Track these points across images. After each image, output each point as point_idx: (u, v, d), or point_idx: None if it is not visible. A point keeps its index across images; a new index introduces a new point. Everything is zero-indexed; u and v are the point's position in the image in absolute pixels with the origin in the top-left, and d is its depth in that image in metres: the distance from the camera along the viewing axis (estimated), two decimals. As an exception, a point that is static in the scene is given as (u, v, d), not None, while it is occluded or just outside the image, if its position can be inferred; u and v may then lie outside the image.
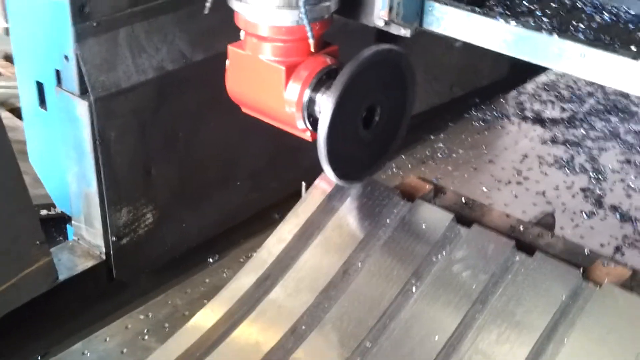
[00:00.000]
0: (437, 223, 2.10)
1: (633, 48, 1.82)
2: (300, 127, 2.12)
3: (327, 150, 2.03)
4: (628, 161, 3.30)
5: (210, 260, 2.70)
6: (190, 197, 2.68)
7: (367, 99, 2.12)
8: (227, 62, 2.20)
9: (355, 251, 2.09)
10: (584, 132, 3.50)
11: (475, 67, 3.79)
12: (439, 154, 3.22)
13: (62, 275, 2.42)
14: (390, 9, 1.96)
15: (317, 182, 2.27)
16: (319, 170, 2.38)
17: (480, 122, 3.55)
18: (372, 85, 2.10)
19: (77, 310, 2.46)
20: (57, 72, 2.32)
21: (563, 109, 3.70)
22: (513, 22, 1.88)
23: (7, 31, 3.33)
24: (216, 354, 1.89)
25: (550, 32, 1.84)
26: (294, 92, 2.05)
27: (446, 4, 1.95)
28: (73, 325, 2.41)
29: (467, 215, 2.15)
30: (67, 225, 2.64)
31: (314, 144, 2.70)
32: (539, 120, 3.59)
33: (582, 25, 1.96)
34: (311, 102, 2.06)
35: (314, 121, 2.09)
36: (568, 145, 3.38)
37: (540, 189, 3.05)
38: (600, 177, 3.17)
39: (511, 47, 1.89)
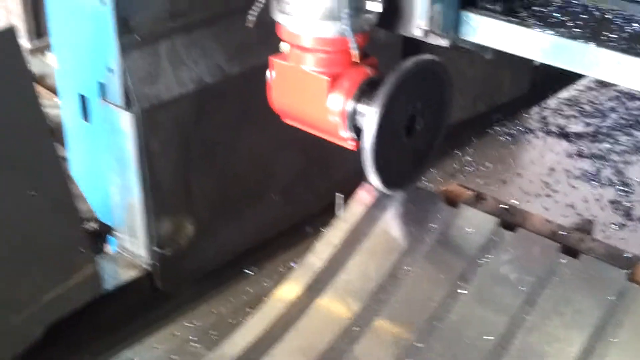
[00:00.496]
0: (481, 227, 2.15)
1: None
2: (343, 136, 2.17)
3: (373, 159, 2.08)
4: None
5: (247, 272, 2.73)
6: (228, 210, 2.73)
7: (408, 107, 2.18)
8: (270, 73, 2.25)
9: (402, 255, 2.13)
10: (609, 146, 3.55)
11: (497, 83, 3.85)
12: (467, 168, 3.27)
13: (107, 286, 2.45)
14: (431, 19, 2.01)
15: (359, 189, 2.31)
16: (350, 183, 2.46)
17: (506, 136, 3.61)
18: (413, 95, 2.16)
19: (122, 320, 2.50)
20: (101, 85, 2.37)
21: (587, 124, 3.75)
22: (549, 31, 1.93)
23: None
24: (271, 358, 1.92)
25: (586, 41, 1.89)
26: (338, 102, 2.11)
27: (481, 14, 2.01)
28: (119, 334, 2.45)
29: (508, 220, 2.19)
30: (109, 238, 2.68)
31: (343, 157, 2.77)
32: (563, 134, 3.64)
33: (613, 35, 2.00)
34: (354, 112, 2.12)
35: (356, 130, 2.14)
36: (594, 159, 3.43)
37: (569, 201, 3.09)
38: (628, 189, 3.22)
39: (548, 55, 1.94)
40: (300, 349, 1.94)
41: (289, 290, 2.09)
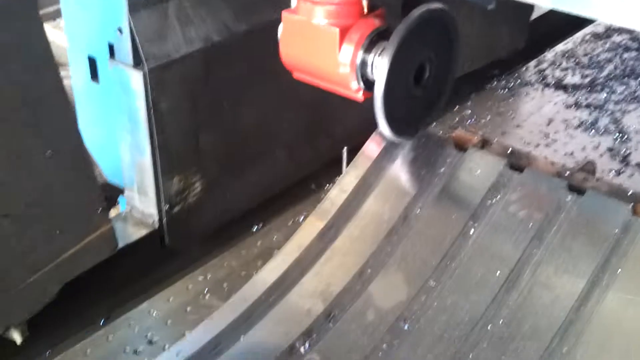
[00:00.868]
0: (490, 169, 2.24)
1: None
2: (353, 88, 2.21)
3: (384, 108, 2.12)
4: None
5: (256, 227, 2.79)
6: (234, 167, 2.77)
7: (417, 56, 2.23)
8: (280, 28, 2.28)
9: (414, 198, 2.22)
10: (606, 96, 3.60)
11: (493, 39, 3.87)
12: (468, 121, 3.31)
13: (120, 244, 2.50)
14: None
15: (369, 140, 2.38)
16: (350, 142, 2.56)
17: (505, 90, 3.65)
18: (422, 44, 2.21)
19: (135, 276, 2.55)
20: (110, 46, 2.40)
21: (583, 75, 3.79)
22: None
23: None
24: (286, 300, 1.99)
25: None
26: (348, 53, 2.15)
27: None
28: (133, 289, 2.50)
29: (515, 162, 2.28)
30: (120, 197, 2.73)
31: (344, 115, 2.83)
32: (561, 86, 3.68)
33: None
34: (364, 63, 2.16)
35: (366, 81, 2.19)
36: (592, 109, 3.48)
37: (568, 150, 3.15)
38: (625, 137, 3.28)
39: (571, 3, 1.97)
40: (316, 291, 2.01)
41: (304, 236, 2.17)
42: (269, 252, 2.52)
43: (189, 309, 2.31)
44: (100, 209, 2.35)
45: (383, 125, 2.20)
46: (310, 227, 2.19)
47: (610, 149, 3.20)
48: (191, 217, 2.66)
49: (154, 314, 2.30)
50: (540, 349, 1.87)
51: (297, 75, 2.37)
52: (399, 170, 2.29)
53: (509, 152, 2.32)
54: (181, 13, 2.42)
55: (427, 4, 2.19)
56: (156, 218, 2.58)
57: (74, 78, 2.60)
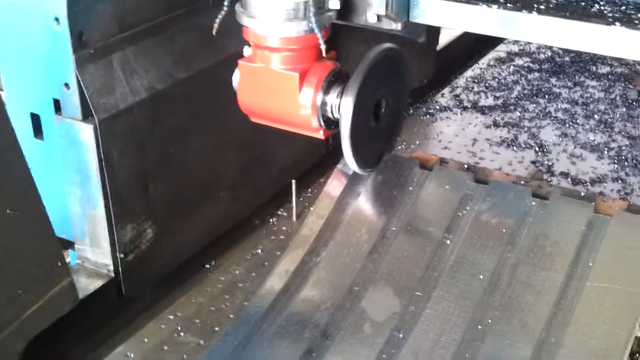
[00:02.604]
0: (458, 183, 2.42)
1: (594, 19, 2.11)
2: (314, 127, 2.32)
3: (350, 145, 2.25)
4: (565, 134, 3.64)
5: (208, 266, 2.84)
6: (183, 211, 2.81)
7: (375, 93, 2.37)
8: (236, 76, 2.37)
9: (388, 217, 2.36)
10: (520, 114, 3.83)
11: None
12: (400, 146, 3.45)
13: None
14: (387, 4, 2.18)
15: (339, 166, 2.56)
16: (285, 178, 2.70)
17: (427, 116, 3.82)
18: (378, 81, 2.36)
19: (100, 325, 2.56)
20: (56, 102, 2.42)
21: (495, 97, 4.02)
22: (495, 6, 2.14)
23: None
24: (281, 325, 2.07)
25: (529, 11, 2.10)
26: (308, 96, 2.28)
27: None
28: (103, 335, 2.52)
29: (476, 177, 2.49)
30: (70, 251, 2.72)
31: (278, 154, 2.92)
32: (477, 108, 3.89)
33: (542, 6, 2.22)
34: (324, 103, 2.30)
35: (326, 120, 2.31)
36: (509, 127, 3.70)
37: (496, 165, 3.35)
38: (544, 149, 3.50)
39: (496, 28, 2.15)
40: (308, 313, 2.12)
41: (288, 263, 2.28)
42: (234, 285, 2.61)
43: (165, 347, 2.34)
44: (60, 263, 2.35)
45: (351, 162, 2.33)
46: (293, 254, 2.30)
47: (534, 162, 3.40)
48: (146, 264, 2.68)
49: (131, 356, 2.31)
50: (532, 341, 2.01)
51: (255, 119, 2.45)
52: (372, 193, 2.44)
53: (465, 167, 2.52)
54: (125, 64, 2.47)
55: (380, 45, 2.34)
56: (112, 268, 2.59)
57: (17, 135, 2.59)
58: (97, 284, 2.59)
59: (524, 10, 2.11)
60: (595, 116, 3.81)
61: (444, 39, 4.31)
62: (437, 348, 2.03)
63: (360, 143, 2.36)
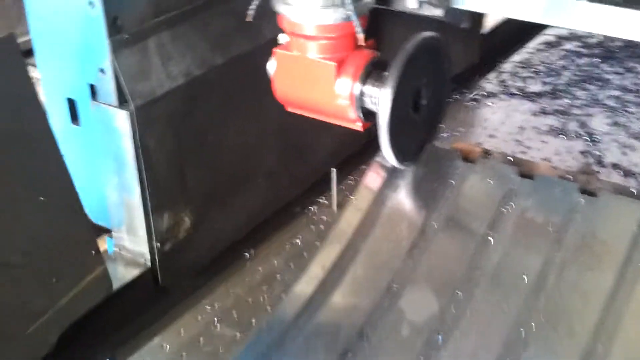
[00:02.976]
0: (502, 178, 2.31)
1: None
2: (351, 118, 2.24)
3: (389, 139, 2.18)
4: (616, 123, 3.51)
5: (247, 255, 2.79)
6: (220, 199, 2.76)
7: (414, 84, 2.29)
8: (272, 65, 2.31)
9: (428, 212, 2.25)
10: (569, 102, 3.70)
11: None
12: (442, 134, 3.33)
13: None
14: None
15: (377, 158, 2.45)
16: (325, 166, 2.62)
17: (471, 102, 3.72)
18: (418, 71, 2.28)
19: (133, 315, 2.51)
20: (92, 87, 2.38)
21: (544, 83, 3.88)
22: None
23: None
24: (316, 324, 2.01)
25: None
26: (346, 86, 2.19)
27: None
28: (133, 328, 2.47)
29: (521, 170, 2.36)
30: (107, 239, 2.69)
31: (318, 142, 2.88)
32: (524, 94, 3.77)
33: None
34: (361, 94, 2.21)
35: (364, 111, 2.23)
36: (558, 115, 3.57)
37: (543, 155, 3.25)
38: (595, 139, 3.37)
39: (543, 15, 2.04)
40: (345, 311, 2.04)
41: (325, 258, 2.20)
42: (272, 277, 2.56)
43: (202, 340, 2.30)
44: (93, 251, 2.32)
45: (389, 155, 2.25)
46: (330, 248, 2.22)
47: (582, 152, 3.29)
48: (183, 253, 2.64)
49: (167, 349, 2.29)
50: (578, 350, 1.91)
51: (291, 109, 2.39)
52: (411, 185, 2.35)
53: (510, 160, 2.41)
54: (162, 49, 2.41)
55: (419, 33, 2.24)
56: (148, 257, 2.54)
57: (53, 121, 2.55)
58: (134, 273, 2.54)
59: (575, -4, 2.01)
60: (649, 103, 3.67)
61: (489, 23, 4.17)
62: (478, 352, 1.94)
63: (399, 136, 2.27)
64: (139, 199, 2.45)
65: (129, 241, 2.57)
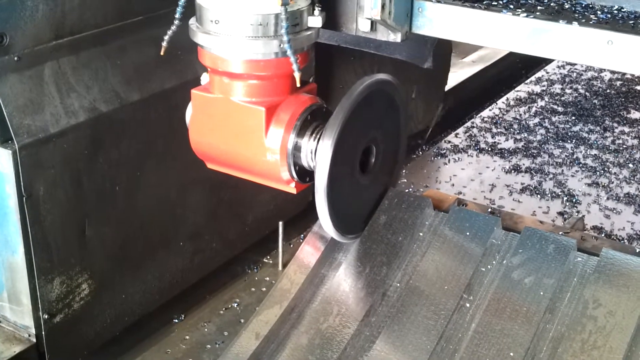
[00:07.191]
0: (482, 230, 2.02)
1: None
2: (284, 179, 1.90)
3: (327, 205, 1.85)
4: (596, 184, 3.30)
5: (176, 320, 2.53)
6: (131, 263, 2.42)
7: (363, 138, 1.97)
8: (189, 110, 2.01)
9: (391, 270, 1.98)
10: (544, 160, 3.48)
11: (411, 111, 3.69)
12: (407, 190, 3.10)
13: (-14, 367, 2.09)
14: (383, 6, 1.73)
15: (315, 228, 2.14)
16: (264, 227, 2.45)
17: (437, 157, 3.49)
18: (367, 123, 1.95)
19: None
20: (-30, 119, 2.04)
21: (516, 139, 3.68)
22: (523, 14, 1.69)
23: None
24: None
25: (569, 21, 1.65)
26: (277, 137, 1.86)
27: (440, 1, 1.75)
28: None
29: (503, 223, 2.08)
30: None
31: (261, 196, 2.63)
32: (496, 151, 3.56)
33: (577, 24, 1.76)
34: (297, 148, 1.87)
35: (300, 170, 1.90)
36: (533, 173, 3.36)
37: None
38: (574, 200, 3.16)
39: (524, 42, 1.70)
40: None
41: (262, 324, 1.95)
42: (200, 347, 2.39)
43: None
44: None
45: (328, 227, 1.92)
46: (267, 312, 1.95)
47: (561, 213, 3.06)
48: (78, 326, 2.31)
49: None
50: None
51: (211, 166, 2.07)
52: (370, 236, 2.04)
53: (489, 212, 2.12)
54: (60, 78, 2.10)
55: (370, 76, 1.93)
56: (33, 331, 2.21)
57: None
58: (14, 350, 2.20)
59: (561, 21, 1.65)
60: (630, 165, 3.44)
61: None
62: None
63: (341, 202, 1.91)
64: (22, 260, 2.12)
65: (10, 311, 2.24)
